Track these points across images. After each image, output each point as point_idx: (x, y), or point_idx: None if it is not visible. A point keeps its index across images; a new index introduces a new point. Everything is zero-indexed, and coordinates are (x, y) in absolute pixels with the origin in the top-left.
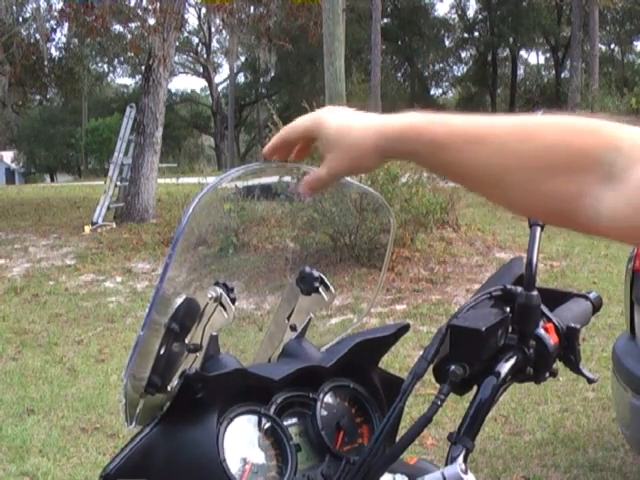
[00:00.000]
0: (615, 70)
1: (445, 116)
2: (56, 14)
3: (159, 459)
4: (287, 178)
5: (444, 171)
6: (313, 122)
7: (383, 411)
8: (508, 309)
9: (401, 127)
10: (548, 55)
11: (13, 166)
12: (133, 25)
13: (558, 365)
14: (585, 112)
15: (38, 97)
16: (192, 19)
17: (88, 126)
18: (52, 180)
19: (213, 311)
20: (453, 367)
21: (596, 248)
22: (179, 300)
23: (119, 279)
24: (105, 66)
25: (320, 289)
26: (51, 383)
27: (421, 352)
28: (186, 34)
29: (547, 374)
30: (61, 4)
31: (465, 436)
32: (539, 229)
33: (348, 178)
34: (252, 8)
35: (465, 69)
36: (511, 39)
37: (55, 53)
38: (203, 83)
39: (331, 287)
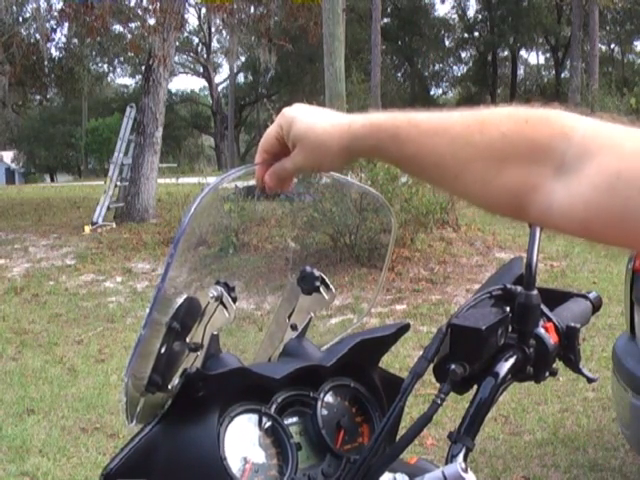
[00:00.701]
0: (615, 70)
1: (408, 112)
2: (56, 14)
3: (160, 458)
4: None
5: (405, 166)
6: (283, 124)
7: (383, 410)
8: (508, 309)
9: (364, 125)
10: (548, 55)
11: (13, 166)
12: (133, 25)
13: (558, 365)
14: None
15: (38, 97)
16: (192, 19)
17: (88, 126)
18: (52, 180)
19: (214, 310)
20: (453, 366)
21: (596, 248)
22: (180, 299)
23: (119, 279)
24: (105, 66)
25: (321, 289)
26: (51, 383)
27: (421, 352)
28: (186, 34)
29: (547, 373)
30: (61, 4)
31: (465, 435)
32: (539, 229)
33: (349, 178)
34: (252, 8)
35: (465, 69)
36: (511, 39)
37: (55, 53)
38: (203, 83)
39: (332, 287)
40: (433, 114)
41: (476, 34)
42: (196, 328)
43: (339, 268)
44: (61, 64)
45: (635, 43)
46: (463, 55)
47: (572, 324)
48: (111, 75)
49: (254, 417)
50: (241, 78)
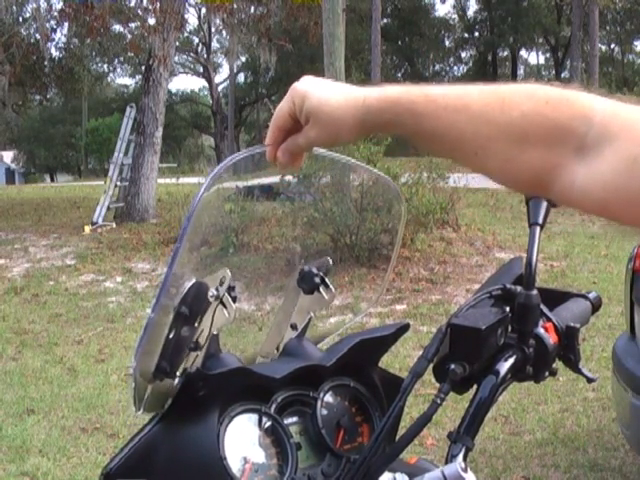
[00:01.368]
0: (615, 70)
1: (422, 86)
2: (56, 14)
3: (160, 458)
4: (288, 177)
5: (422, 140)
6: (295, 99)
7: (383, 410)
8: (508, 308)
9: (380, 98)
10: (548, 55)
11: (13, 166)
12: (133, 25)
13: (558, 365)
14: None
15: (38, 97)
16: (192, 19)
17: (88, 126)
18: (52, 180)
19: (214, 309)
20: (453, 366)
21: (596, 248)
22: (189, 284)
23: (119, 279)
24: (105, 66)
25: (321, 288)
26: (51, 383)
27: (421, 352)
28: (186, 34)
29: (547, 373)
30: (61, 4)
31: (465, 435)
32: (538, 229)
33: (359, 162)
34: (252, 8)
35: (465, 69)
36: (511, 39)
37: (55, 53)
38: (203, 83)
39: (331, 286)
40: (449, 89)
41: (476, 34)
42: (197, 327)
43: (339, 268)
44: (61, 64)
45: (635, 43)
46: (463, 55)
47: (572, 324)
48: (111, 75)
49: (254, 417)
50: (241, 78)
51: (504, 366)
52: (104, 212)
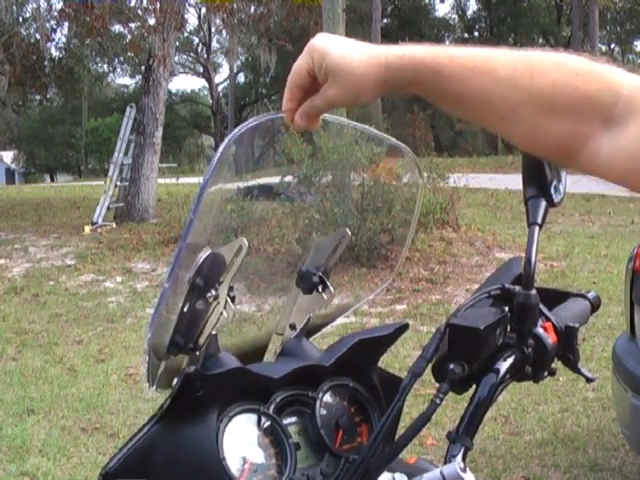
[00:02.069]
0: None
1: (446, 47)
2: (56, 14)
3: (159, 458)
4: (288, 178)
5: (445, 101)
6: (314, 56)
7: (382, 410)
8: (507, 308)
9: (404, 57)
10: None
11: (13, 166)
12: (133, 25)
13: (558, 365)
14: None
15: (38, 97)
16: (192, 19)
17: (88, 126)
18: (52, 180)
19: (213, 309)
20: (452, 366)
21: (596, 248)
22: (204, 254)
23: (119, 279)
24: (105, 66)
25: (319, 288)
26: (51, 383)
27: (420, 352)
28: (186, 34)
29: (546, 373)
30: (61, 4)
31: (464, 435)
32: (537, 228)
33: (374, 129)
34: (252, 8)
35: None
36: (511, 39)
37: (55, 53)
38: (203, 83)
39: (330, 286)
40: (474, 50)
41: (476, 34)
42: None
43: (339, 268)
44: (61, 64)
45: (635, 43)
46: None
47: (571, 324)
48: (111, 75)
49: (253, 417)
50: (241, 78)
51: (503, 366)
52: (104, 212)
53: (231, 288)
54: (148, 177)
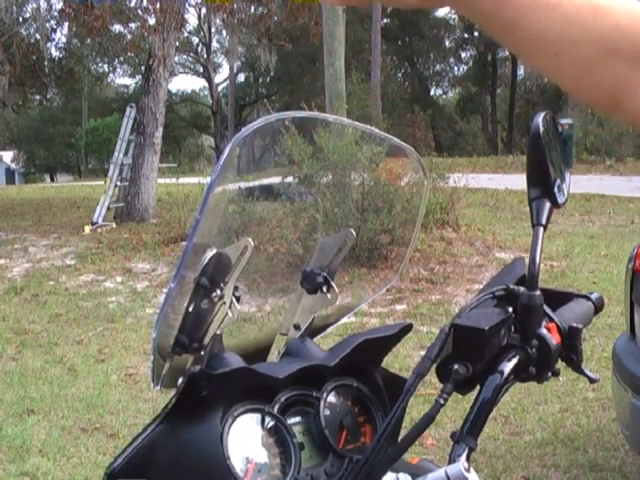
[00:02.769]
0: None
1: None
2: (56, 14)
3: (163, 457)
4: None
5: (500, 29)
6: None
7: (386, 410)
8: (511, 309)
9: None
10: None
11: (13, 166)
12: (133, 25)
13: (560, 365)
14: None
15: (38, 97)
16: (192, 19)
17: (88, 126)
18: (52, 180)
19: (218, 309)
20: (456, 366)
21: (596, 248)
22: (210, 254)
23: (119, 279)
24: (105, 66)
25: (324, 288)
26: (51, 383)
27: (421, 352)
28: (186, 34)
29: (549, 374)
30: (61, 4)
31: (468, 435)
32: (542, 229)
33: (376, 129)
34: (252, 8)
35: (465, 69)
36: None
37: (55, 53)
38: (203, 83)
39: (334, 286)
40: None
41: (476, 34)
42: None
43: (339, 268)
44: (61, 64)
45: None
46: (463, 55)
47: (574, 325)
48: (111, 75)
49: (257, 417)
50: (241, 78)
51: (507, 366)
52: (104, 212)
53: (236, 288)
54: (148, 177)
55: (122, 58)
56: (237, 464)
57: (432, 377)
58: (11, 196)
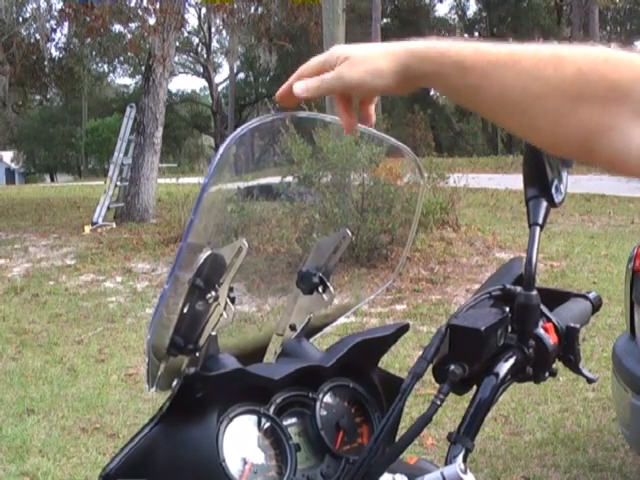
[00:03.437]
0: None
1: (470, 42)
2: (56, 14)
3: (159, 459)
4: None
5: (467, 96)
6: (331, 54)
7: (383, 411)
8: (508, 309)
9: (427, 46)
10: None
11: (13, 166)
12: (133, 25)
13: (558, 365)
14: None
15: (38, 97)
16: (192, 19)
17: (88, 126)
18: (52, 180)
19: (213, 310)
20: (452, 367)
21: (596, 248)
22: (204, 255)
23: (119, 279)
24: (105, 66)
25: (320, 288)
26: (51, 383)
27: (421, 352)
28: (186, 34)
29: (547, 374)
30: (61, 4)
31: (465, 436)
32: (538, 229)
33: (374, 130)
34: (252, 8)
35: None
36: (510, 39)
37: (55, 53)
38: (203, 83)
39: (330, 287)
40: (501, 45)
41: (476, 34)
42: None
43: (339, 268)
44: (61, 64)
45: (635, 43)
46: None
47: (572, 324)
48: (111, 75)
49: (253, 418)
50: (241, 78)
51: (504, 367)
52: (104, 212)
53: (231, 289)
54: (148, 177)
55: (122, 58)
56: (233, 466)
57: (432, 377)
58: (11, 196)
